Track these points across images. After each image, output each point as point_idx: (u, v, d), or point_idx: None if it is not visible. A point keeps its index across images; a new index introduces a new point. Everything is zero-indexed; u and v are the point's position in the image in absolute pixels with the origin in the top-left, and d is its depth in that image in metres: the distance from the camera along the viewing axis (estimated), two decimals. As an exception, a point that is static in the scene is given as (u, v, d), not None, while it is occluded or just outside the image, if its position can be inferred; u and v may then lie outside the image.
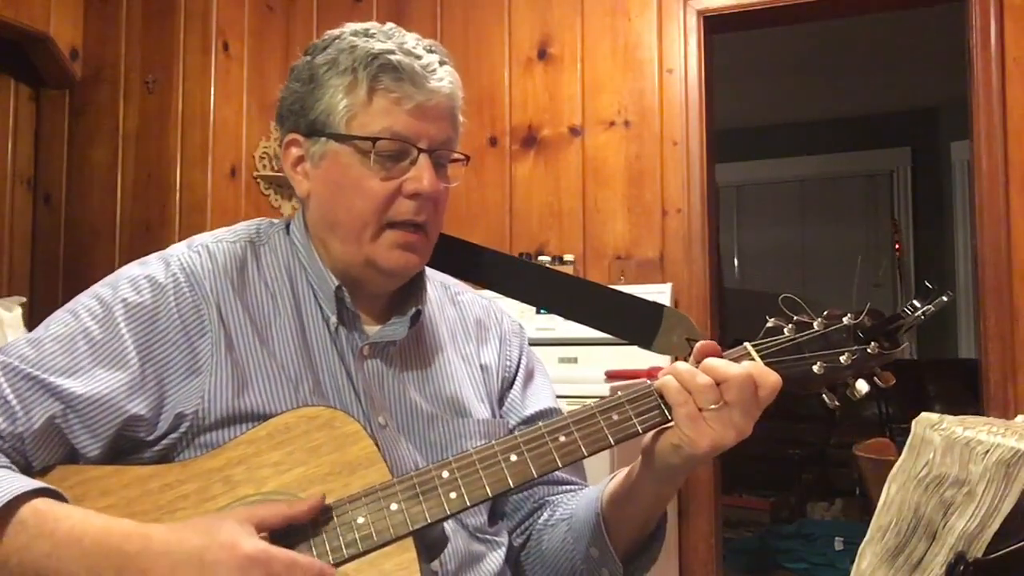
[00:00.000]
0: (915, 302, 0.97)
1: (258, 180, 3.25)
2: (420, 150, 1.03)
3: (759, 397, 0.92)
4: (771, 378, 0.93)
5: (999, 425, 0.82)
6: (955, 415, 0.87)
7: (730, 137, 4.69)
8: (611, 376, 2.50)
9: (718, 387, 0.92)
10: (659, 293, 2.83)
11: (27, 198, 3.22)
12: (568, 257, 2.98)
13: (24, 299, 2.65)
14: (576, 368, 2.72)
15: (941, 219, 6.05)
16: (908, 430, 0.89)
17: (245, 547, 0.80)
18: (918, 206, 6.21)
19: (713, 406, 0.91)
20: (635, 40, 3.05)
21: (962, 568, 0.79)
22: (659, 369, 2.59)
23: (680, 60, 2.98)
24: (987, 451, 0.79)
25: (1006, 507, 0.78)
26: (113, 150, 3.14)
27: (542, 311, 2.50)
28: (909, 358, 6.10)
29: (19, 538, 0.83)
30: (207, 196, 3.03)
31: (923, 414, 0.85)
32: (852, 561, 0.87)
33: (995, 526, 0.78)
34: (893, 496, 0.84)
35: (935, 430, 0.83)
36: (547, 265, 2.93)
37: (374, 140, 1.02)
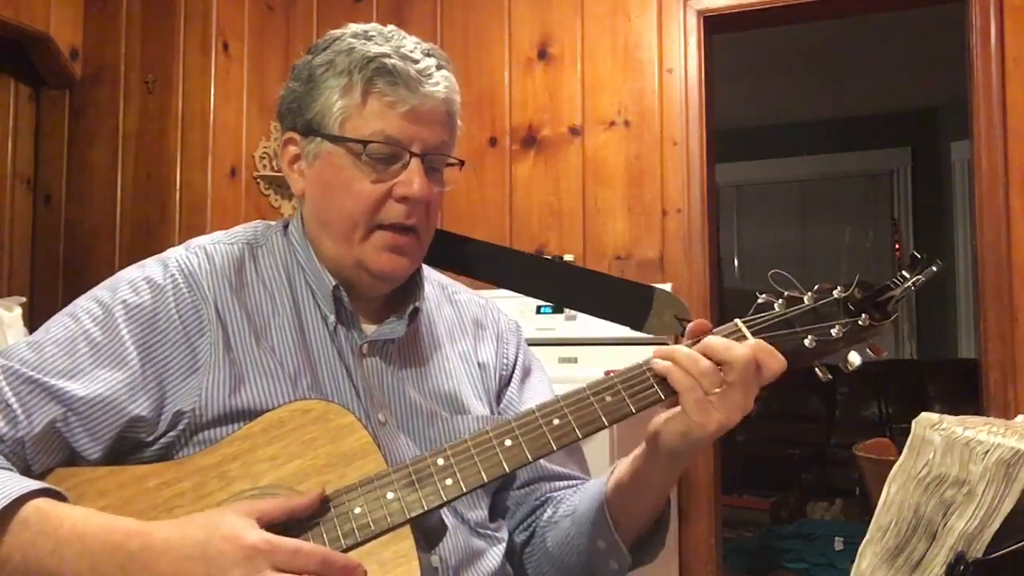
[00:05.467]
0: (904, 273, 0.97)
1: (258, 180, 3.25)
2: (412, 154, 1.04)
3: (762, 375, 0.93)
4: (776, 359, 0.93)
5: (999, 425, 0.82)
6: (955, 415, 0.87)
7: (730, 137, 4.69)
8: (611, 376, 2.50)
9: (719, 369, 0.92)
10: (659, 293, 2.83)
11: (27, 198, 3.22)
12: (568, 257, 2.98)
13: (24, 299, 2.65)
14: (576, 368, 2.72)
15: (941, 219, 6.05)
16: (908, 430, 0.89)
17: (248, 537, 0.81)
18: (918, 206, 6.21)
19: (717, 389, 0.92)
20: (635, 40, 3.05)
21: (962, 568, 0.79)
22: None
23: (680, 60, 2.98)
24: (987, 451, 0.79)
25: (1006, 507, 0.78)
26: (113, 150, 3.14)
27: (543, 311, 2.50)
28: (909, 358, 6.11)
29: (22, 536, 0.83)
30: (207, 196, 3.03)
31: (923, 414, 0.85)
32: (852, 561, 0.87)
33: (995, 526, 0.78)
34: (893, 496, 0.84)
35: (935, 430, 0.83)
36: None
37: (365, 143, 1.03)
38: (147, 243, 3.00)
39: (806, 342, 0.96)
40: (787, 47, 4.74)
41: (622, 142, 3.03)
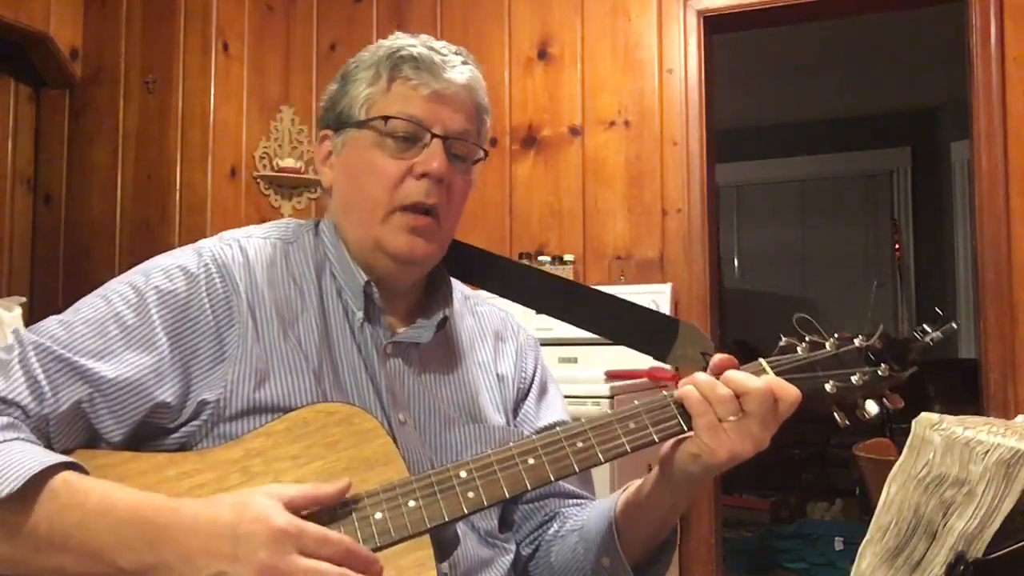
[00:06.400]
0: (925, 327, 1.02)
1: (258, 180, 3.25)
2: (433, 135, 1.05)
3: (778, 410, 0.95)
4: (791, 392, 0.95)
5: (999, 425, 0.82)
6: (955, 415, 0.87)
7: (730, 137, 4.69)
8: (611, 376, 2.50)
9: (738, 399, 0.94)
10: (659, 293, 2.83)
11: (27, 198, 3.22)
12: (568, 257, 2.98)
13: (24, 299, 2.64)
14: (576, 368, 2.72)
15: (941, 219, 6.05)
16: (908, 430, 0.89)
17: (277, 520, 0.80)
18: (918, 206, 6.21)
19: (732, 417, 0.93)
20: (635, 40, 3.05)
21: (962, 568, 0.79)
22: (660, 369, 2.59)
23: (680, 60, 2.98)
24: (987, 451, 0.79)
25: (1006, 507, 0.78)
26: (113, 150, 3.15)
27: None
28: (909, 358, 6.10)
29: (50, 506, 0.83)
30: (207, 196, 3.03)
31: (923, 414, 0.85)
32: (852, 561, 0.87)
33: (995, 526, 0.78)
34: (893, 496, 0.84)
35: (935, 430, 0.83)
36: (545, 268, 2.93)
37: (386, 119, 1.04)
38: (147, 243, 3.00)
39: (827, 387, 0.99)
40: (787, 47, 4.73)
41: (622, 142, 3.03)
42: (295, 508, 0.84)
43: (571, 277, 2.81)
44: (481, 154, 1.12)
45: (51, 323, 0.97)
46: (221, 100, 3.08)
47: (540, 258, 2.99)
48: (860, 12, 3.37)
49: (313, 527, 0.82)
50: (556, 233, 3.09)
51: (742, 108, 5.41)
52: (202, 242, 1.07)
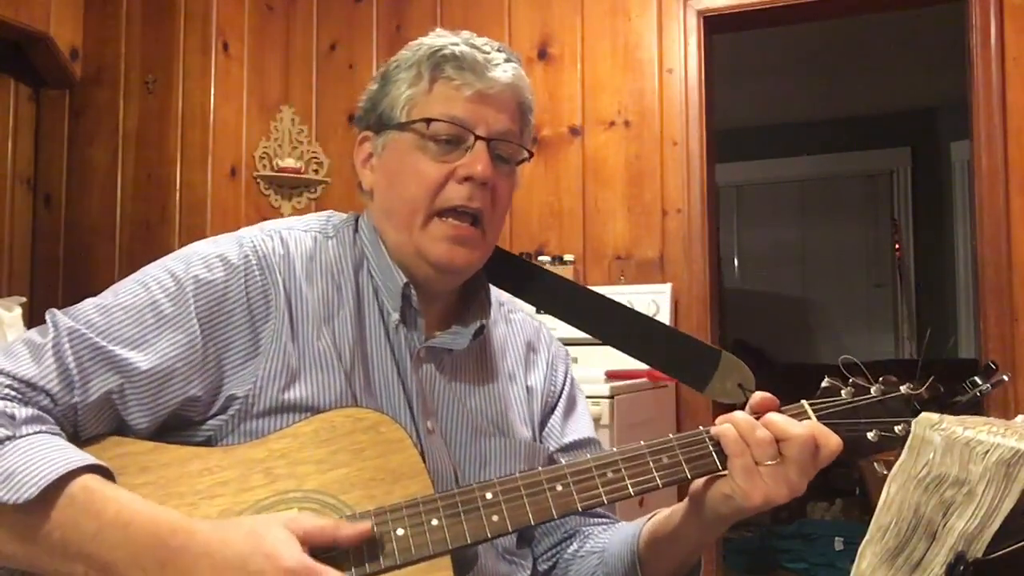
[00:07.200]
0: (976, 379, 0.97)
1: (258, 180, 3.25)
2: (477, 137, 1.02)
3: (818, 458, 0.92)
4: (833, 441, 0.93)
5: (999, 425, 0.82)
6: (955, 415, 0.87)
7: (730, 137, 4.69)
8: (611, 376, 2.50)
9: (777, 443, 0.91)
10: (659, 293, 2.83)
11: (27, 198, 3.22)
12: (568, 257, 2.98)
13: (24, 299, 2.64)
14: (576, 368, 2.69)
15: (941, 219, 6.04)
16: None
17: (287, 561, 0.79)
18: (918, 206, 6.20)
19: (770, 462, 0.91)
20: (635, 40, 3.05)
21: (962, 568, 0.79)
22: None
23: (680, 60, 2.98)
24: (987, 451, 0.79)
25: (1006, 507, 0.78)
26: (113, 150, 3.15)
27: (542, 311, 2.49)
28: (909, 358, 6.11)
29: (66, 513, 0.82)
30: (207, 196, 3.03)
31: (923, 414, 0.85)
32: (852, 561, 0.87)
33: (995, 526, 0.78)
34: (893, 496, 0.84)
35: (935, 430, 0.83)
36: (544, 267, 2.92)
37: (428, 121, 1.02)
38: (147, 243, 2.99)
39: (869, 435, 0.96)
40: (787, 47, 4.73)
41: (622, 142, 3.03)
42: (311, 545, 0.83)
43: (571, 277, 2.81)
44: (525, 155, 1.10)
45: (88, 307, 0.95)
46: (221, 100, 3.08)
47: (540, 258, 2.99)
48: (860, 12, 3.37)
49: (324, 569, 0.80)
50: (556, 233, 3.09)
51: (742, 108, 5.41)
52: (243, 231, 1.05)
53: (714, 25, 3.01)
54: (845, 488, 4.90)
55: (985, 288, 2.64)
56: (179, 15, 3.09)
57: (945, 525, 0.81)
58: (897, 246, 6.19)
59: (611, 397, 2.29)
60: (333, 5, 3.39)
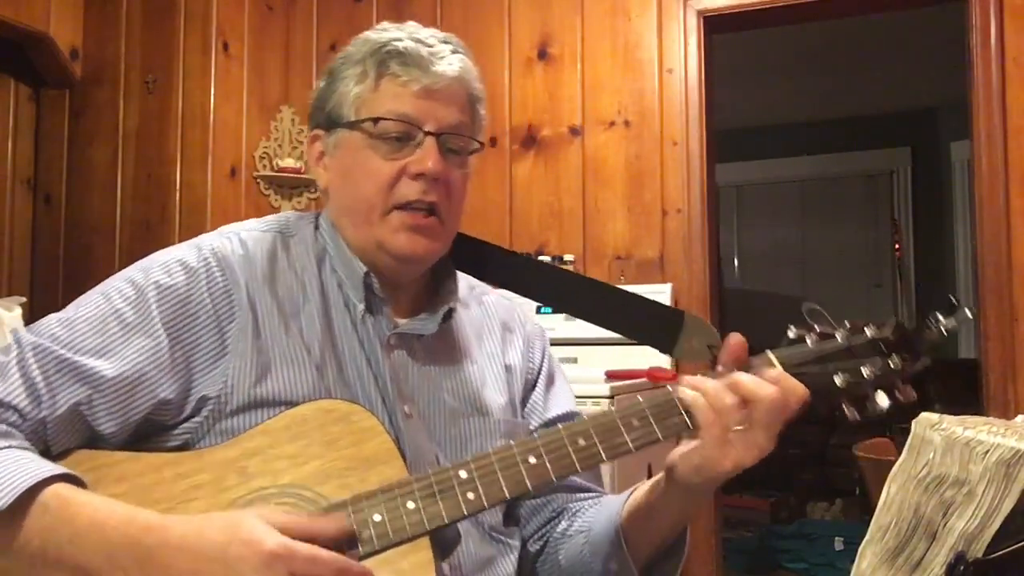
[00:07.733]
0: (939, 315, 0.95)
1: (258, 180, 3.25)
2: (426, 133, 1.03)
3: (785, 412, 0.91)
4: (799, 389, 0.91)
5: (999, 425, 0.82)
6: (955, 415, 0.87)
7: (730, 137, 4.69)
8: (611, 376, 2.50)
9: (746, 406, 0.90)
10: (659, 293, 2.83)
11: (27, 198, 3.22)
12: (568, 257, 2.98)
13: (24, 299, 2.64)
14: (576, 368, 2.72)
15: (941, 219, 6.04)
16: (908, 430, 0.89)
17: (267, 543, 0.79)
18: (918, 206, 6.20)
19: (739, 427, 0.90)
20: (635, 40, 3.05)
21: (962, 568, 0.79)
22: (659, 369, 2.59)
23: (680, 60, 2.98)
24: (987, 451, 0.79)
25: (1006, 507, 0.78)
26: (113, 150, 3.15)
27: (543, 311, 2.50)
28: (909, 358, 6.10)
29: (42, 521, 0.82)
30: (207, 196, 3.03)
31: (923, 414, 0.85)
32: (852, 561, 0.87)
33: (995, 526, 0.78)
34: (893, 496, 0.84)
35: (935, 430, 0.83)
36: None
37: (377, 120, 1.02)
38: (147, 243, 3.00)
39: (836, 380, 0.95)
40: (787, 47, 4.73)
41: (622, 142, 3.03)
42: (287, 536, 0.82)
43: (571, 277, 2.81)
44: (476, 146, 1.11)
45: (51, 321, 0.96)
46: (221, 100, 3.08)
47: (540, 258, 2.99)
48: (860, 12, 3.37)
49: (304, 547, 0.81)
50: (556, 233, 3.09)
51: (742, 108, 5.40)
52: (201, 237, 1.06)
53: (714, 25, 3.01)
54: (845, 488, 4.90)
55: (985, 288, 2.64)
56: (179, 15, 3.09)
57: (945, 525, 0.81)
58: (897, 246, 6.19)
59: (611, 397, 2.29)
60: (333, 5, 3.39)
